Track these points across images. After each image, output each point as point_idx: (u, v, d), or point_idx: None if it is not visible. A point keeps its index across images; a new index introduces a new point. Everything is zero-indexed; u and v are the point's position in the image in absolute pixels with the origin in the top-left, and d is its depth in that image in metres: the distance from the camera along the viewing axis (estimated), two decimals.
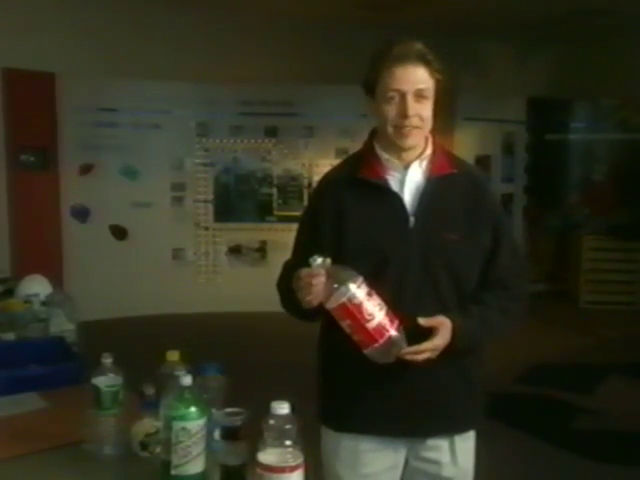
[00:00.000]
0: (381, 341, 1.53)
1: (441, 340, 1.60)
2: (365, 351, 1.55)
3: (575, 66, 7.83)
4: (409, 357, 1.58)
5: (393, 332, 1.54)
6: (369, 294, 1.54)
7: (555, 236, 8.14)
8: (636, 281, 7.43)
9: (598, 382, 4.86)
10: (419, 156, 1.71)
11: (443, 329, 1.60)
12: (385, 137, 1.70)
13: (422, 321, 1.60)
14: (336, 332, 1.59)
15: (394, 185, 1.69)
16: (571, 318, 7.04)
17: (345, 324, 1.55)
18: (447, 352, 1.62)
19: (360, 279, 1.54)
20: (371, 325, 1.52)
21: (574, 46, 7.82)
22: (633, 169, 7.68)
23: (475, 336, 1.68)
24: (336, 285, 1.52)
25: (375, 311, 1.53)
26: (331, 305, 1.54)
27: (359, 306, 1.52)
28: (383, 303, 1.56)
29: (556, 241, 8.13)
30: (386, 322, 1.54)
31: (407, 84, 1.61)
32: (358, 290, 1.52)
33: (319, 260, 1.53)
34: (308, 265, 1.54)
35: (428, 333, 1.60)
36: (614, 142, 7.99)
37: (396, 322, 1.56)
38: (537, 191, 8.07)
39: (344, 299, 1.52)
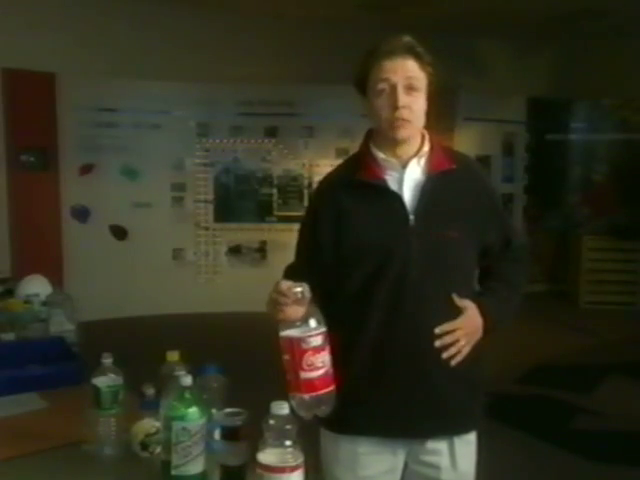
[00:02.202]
0: (306, 396, 1.47)
1: (463, 324, 1.65)
2: (289, 394, 1.48)
3: (575, 66, 7.83)
4: (439, 343, 1.63)
5: (321, 393, 1.48)
6: (322, 348, 1.47)
7: (555, 236, 8.14)
8: (636, 281, 7.44)
9: (598, 382, 4.86)
10: (416, 154, 1.70)
11: (470, 310, 1.67)
12: (379, 134, 1.69)
13: (457, 299, 1.65)
14: (335, 335, 1.59)
15: (393, 184, 1.68)
16: (571, 318, 7.03)
17: (284, 358, 1.49)
18: (485, 334, 1.69)
19: (322, 330, 1.48)
20: (304, 375, 1.46)
21: (574, 46, 7.82)
22: (633, 169, 7.69)
23: (504, 318, 1.75)
24: (299, 322, 1.48)
25: (316, 364, 1.46)
26: (282, 333, 1.48)
27: (304, 352, 1.45)
28: (330, 364, 1.49)
29: (556, 241, 8.13)
30: (320, 382, 1.47)
31: (396, 75, 1.61)
32: (314, 338, 1.46)
33: (298, 289, 1.49)
34: (309, 268, 1.54)
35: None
36: (614, 142, 7.99)
37: (331, 387, 1.50)
38: (537, 191, 8.07)
39: (296, 336, 1.46)
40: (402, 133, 1.65)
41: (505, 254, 1.80)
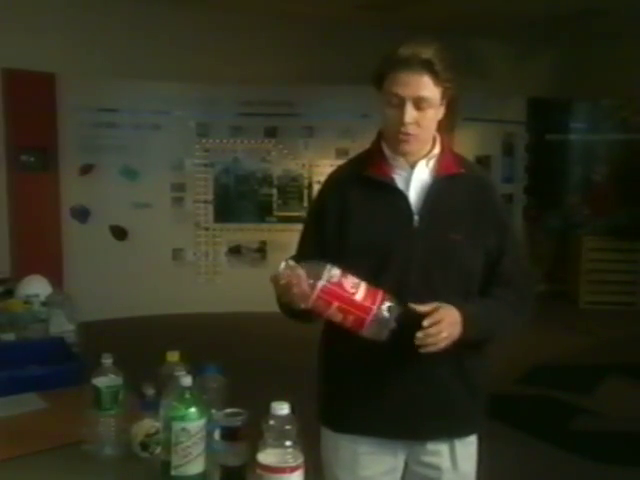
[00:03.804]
0: (375, 307, 1.49)
1: (444, 312, 1.55)
2: (364, 326, 1.50)
3: (575, 66, 7.83)
4: (420, 342, 1.54)
5: (381, 295, 1.52)
6: (344, 274, 1.52)
7: (555, 236, 8.14)
8: (636, 281, 7.44)
9: (598, 382, 4.86)
10: (426, 155, 1.69)
11: (441, 308, 1.56)
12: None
13: (414, 306, 1.55)
14: (338, 333, 1.59)
15: (400, 184, 1.68)
16: (571, 318, 7.04)
17: (335, 309, 1.50)
18: (459, 341, 1.58)
19: (328, 265, 1.52)
20: (360, 296, 1.50)
21: (574, 46, 7.82)
22: (633, 169, 7.68)
23: (485, 329, 1.65)
24: (311, 280, 1.50)
25: (354, 281, 1.52)
26: (314, 297, 1.50)
27: (340, 282, 1.50)
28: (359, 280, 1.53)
29: (556, 241, 8.13)
30: (371, 292, 1.52)
31: (407, 90, 1.58)
32: (333, 272, 1.51)
33: (282, 264, 1.52)
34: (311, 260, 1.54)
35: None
36: (614, 142, 7.99)
37: (380, 293, 1.53)
38: (537, 191, 8.07)
39: (322, 283, 1.49)
40: (405, 148, 1.65)
41: (502, 279, 1.70)
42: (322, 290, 1.50)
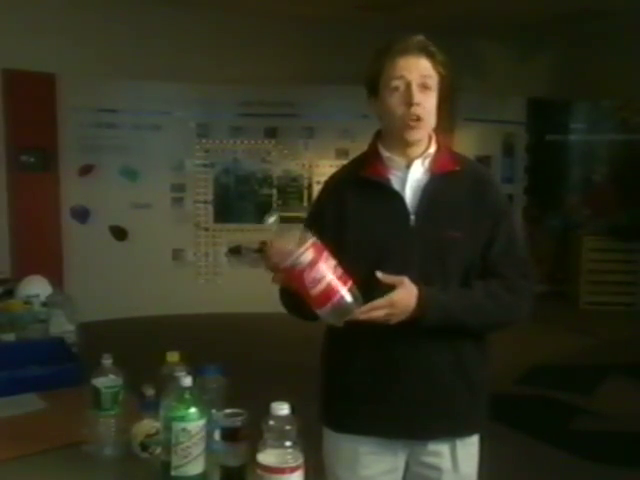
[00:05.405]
0: (323, 309, 1.48)
1: (397, 296, 1.53)
2: (330, 302, 1.48)
3: (575, 67, 7.83)
4: (363, 316, 1.52)
5: (336, 299, 1.48)
6: (316, 260, 1.48)
7: (555, 237, 8.14)
8: (636, 282, 7.43)
9: (598, 383, 4.86)
10: (422, 154, 1.69)
11: (402, 288, 1.55)
12: (390, 134, 1.69)
13: (380, 275, 1.55)
14: (341, 334, 1.58)
15: (396, 184, 1.68)
16: (571, 319, 7.04)
17: (314, 275, 1.47)
18: (416, 323, 1.56)
19: (309, 242, 1.49)
20: (314, 292, 1.47)
21: (574, 47, 7.82)
22: (633, 170, 7.68)
23: (449, 308, 1.60)
24: (290, 250, 1.48)
25: (317, 277, 1.48)
26: (282, 267, 1.49)
27: (302, 272, 1.47)
28: (332, 270, 1.50)
29: (556, 242, 8.13)
30: (328, 291, 1.48)
31: (410, 72, 1.61)
32: (303, 256, 1.47)
33: (272, 219, 1.51)
34: None
35: None
36: (614, 143, 7.99)
37: (343, 289, 1.49)
38: (537, 192, 8.07)
39: (288, 263, 1.47)
40: (415, 135, 1.65)
41: (488, 270, 1.67)
42: (285, 270, 1.49)
